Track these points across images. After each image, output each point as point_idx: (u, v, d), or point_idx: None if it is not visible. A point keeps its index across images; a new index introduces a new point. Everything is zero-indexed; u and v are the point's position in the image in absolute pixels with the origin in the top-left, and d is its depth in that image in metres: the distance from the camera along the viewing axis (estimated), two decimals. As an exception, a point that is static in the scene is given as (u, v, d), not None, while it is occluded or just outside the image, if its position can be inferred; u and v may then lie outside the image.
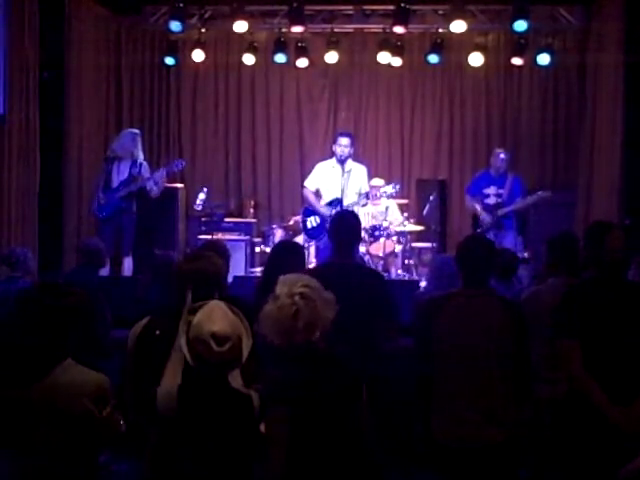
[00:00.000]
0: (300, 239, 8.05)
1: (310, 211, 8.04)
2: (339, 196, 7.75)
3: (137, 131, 8.34)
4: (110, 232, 7.89)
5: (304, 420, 2.67)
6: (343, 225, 4.27)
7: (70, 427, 2.77)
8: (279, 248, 4.96)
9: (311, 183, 8.15)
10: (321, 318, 2.75)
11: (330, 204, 7.85)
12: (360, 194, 7.97)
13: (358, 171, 8.01)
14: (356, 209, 7.80)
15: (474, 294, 3.54)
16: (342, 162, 7.80)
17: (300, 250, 4.88)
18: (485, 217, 8.12)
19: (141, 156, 8.12)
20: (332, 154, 8.02)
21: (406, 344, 4.15)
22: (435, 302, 3.66)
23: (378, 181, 8.69)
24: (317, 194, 8.10)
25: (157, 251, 5.50)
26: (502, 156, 8.33)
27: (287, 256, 4.46)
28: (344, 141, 7.82)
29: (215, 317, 2.85)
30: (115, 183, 7.97)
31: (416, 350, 3.73)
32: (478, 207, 8.21)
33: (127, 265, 7.94)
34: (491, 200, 8.21)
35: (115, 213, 7.91)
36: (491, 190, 8.23)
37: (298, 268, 4.02)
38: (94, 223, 8.53)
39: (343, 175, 7.78)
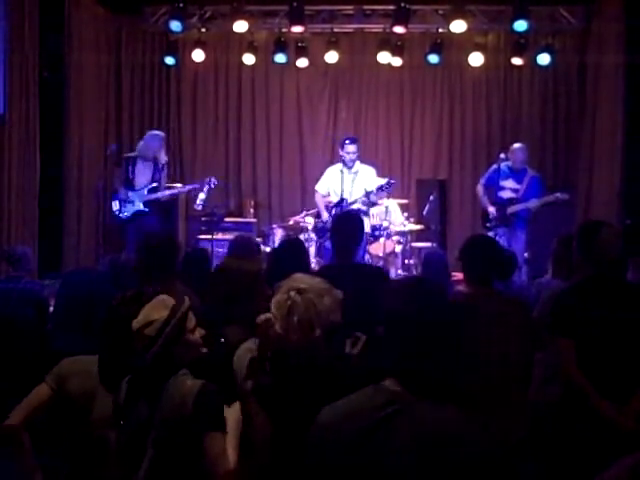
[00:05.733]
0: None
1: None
2: (345, 197, 7.90)
3: (162, 134, 8.34)
4: (133, 233, 7.97)
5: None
6: (343, 226, 4.26)
7: None
8: (281, 251, 4.74)
9: (322, 187, 8.32)
10: (321, 316, 2.52)
11: (337, 205, 7.95)
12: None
13: (365, 172, 8.13)
14: (361, 207, 7.86)
15: (478, 294, 3.52)
16: (350, 166, 8.02)
17: (301, 251, 4.67)
18: (493, 212, 7.86)
19: (164, 159, 8.18)
20: (338, 157, 8.17)
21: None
22: None
23: (379, 181, 8.70)
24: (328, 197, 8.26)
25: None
26: (520, 150, 8.04)
27: (288, 261, 4.27)
28: (351, 148, 8.02)
29: None
30: (138, 183, 8.01)
31: None
32: (486, 202, 7.99)
33: None
34: (506, 194, 7.93)
35: (136, 214, 8.03)
36: (508, 183, 7.96)
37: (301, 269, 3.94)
38: (109, 226, 8.64)
39: (350, 177, 7.99)
